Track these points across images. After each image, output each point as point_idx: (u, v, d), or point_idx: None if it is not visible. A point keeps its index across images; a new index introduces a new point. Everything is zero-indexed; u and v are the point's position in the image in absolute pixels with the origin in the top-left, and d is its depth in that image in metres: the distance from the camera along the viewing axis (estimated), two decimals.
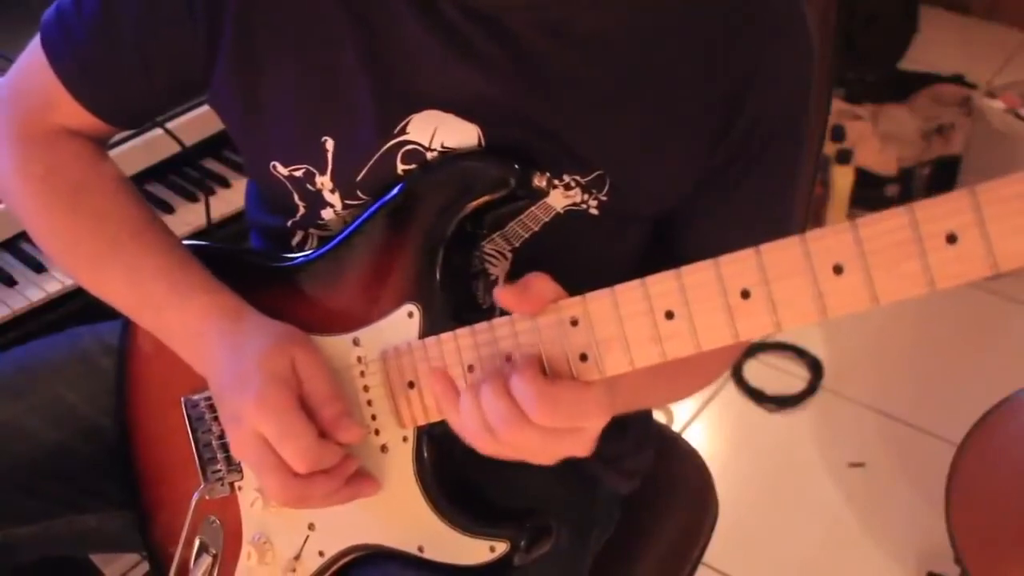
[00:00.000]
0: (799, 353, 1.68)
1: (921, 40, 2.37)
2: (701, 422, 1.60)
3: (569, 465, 0.74)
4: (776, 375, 1.66)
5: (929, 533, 1.36)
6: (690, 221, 0.65)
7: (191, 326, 0.63)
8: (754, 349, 1.68)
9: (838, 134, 1.90)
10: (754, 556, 1.38)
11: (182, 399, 0.69)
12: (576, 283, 0.52)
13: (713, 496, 0.89)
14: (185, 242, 0.70)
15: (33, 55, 0.68)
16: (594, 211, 0.63)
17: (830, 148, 1.82)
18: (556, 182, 0.61)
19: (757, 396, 1.62)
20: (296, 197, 0.67)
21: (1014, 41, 2.44)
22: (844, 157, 1.84)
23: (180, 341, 0.65)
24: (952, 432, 1.35)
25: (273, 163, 0.65)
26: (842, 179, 1.84)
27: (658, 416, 1.22)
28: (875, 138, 2.00)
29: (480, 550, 0.58)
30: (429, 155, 0.62)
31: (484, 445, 0.53)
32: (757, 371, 1.66)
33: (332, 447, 0.57)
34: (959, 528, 1.18)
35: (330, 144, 0.63)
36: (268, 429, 0.56)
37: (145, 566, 0.77)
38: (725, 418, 1.61)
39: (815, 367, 1.66)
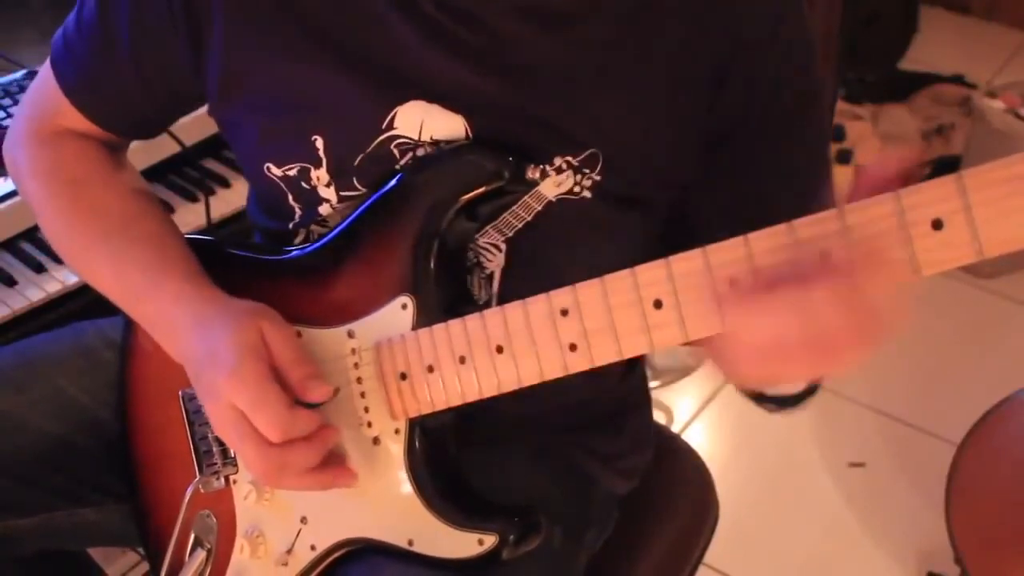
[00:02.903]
0: None
1: (921, 40, 2.37)
2: (701, 422, 1.60)
3: (565, 464, 0.74)
4: None
5: (929, 533, 1.36)
6: (716, 188, 0.63)
7: (165, 313, 0.64)
8: None
9: (838, 134, 1.90)
10: (754, 556, 1.38)
11: (179, 392, 0.70)
12: (572, 274, 0.52)
13: (713, 496, 0.89)
14: (186, 235, 0.71)
15: (47, 64, 0.72)
16: (587, 194, 0.62)
17: (830, 148, 1.83)
18: (548, 168, 0.62)
19: (757, 396, 1.62)
20: (291, 198, 0.67)
21: (1014, 41, 2.44)
22: (844, 157, 1.84)
23: (159, 330, 0.66)
24: (952, 432, 1.35)
25: (267, 165, 0.67)
26: (842, 179, 1.83)
27: (658, 416, 1.23)
28: (875, 138, 2.00)
29: (469, 543, 0.58)
30: (419, 149, 0.62)
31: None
32: None
33: (305, 413, 0.57)
34: (959, 528, 1.18)
35: (320, 143, 0.64)
36: (242, 400, 0.57)
37: (146, 566, 0.77)
38: (725, 418, 1.60)
39: None
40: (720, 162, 0.63)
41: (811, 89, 0.64)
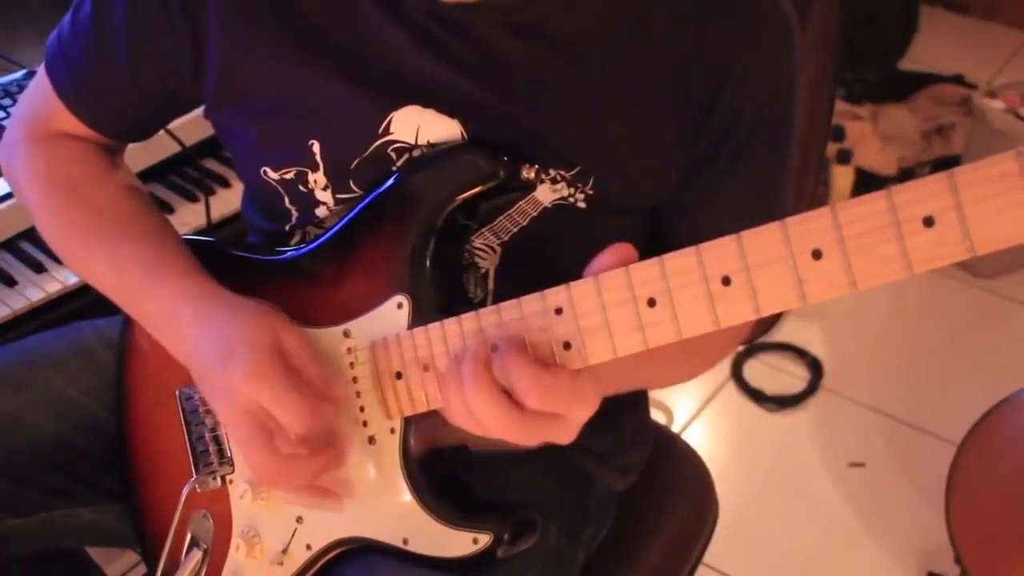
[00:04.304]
0: (799, 353, 1.68)
1: (921, 40, 2.37)
2: (701, 422, 1.60)
3: (563, 463, 0.74)
4: (776, 375, 1.66)
5: (929, 533, 1.36)
6: (682, 214, 0.66)
7: (168, 310, 0.64)
8: (754, 349, 1.68)
9: (838, 134, 1.90)
10: (754, 556, 1.38)
11: (176, 392, 0.70)
12: (565, 277, 0.52)
13: (713, 496, 0.89)
14: (182, 235, 0.71)
15: (43, 66, 0.72)
16: (581, 204, 0.63)
17: (830, 148, 1.82)
18: (543, 176, 0.62)
19: (757, 396, 1.62)
20: (287, 201, 0.68)
21: (1014, 41, 2.44)
22: (844, 157, 1.84)
23: (160, 328, 0.66)
24: (952, 432, 1.35)
25: (263, 168, 0.67)
26: (842, 179, 1.84)
27: (658, 416, 1.23)
28: (875, 138, 2.00)
29: (463, 542, 0.58)
30: (416, 152, 0.63)
31: (473, 429, 0.53)
32: (757, 371, 1.66)
33: (327, 406, 0.58)
34: (959, 528, 1.18)
35: (317, 147, 0.64)
36: (264, 395, 0.57)
37: (145, 567, 0.77)
38: (725, 418, 1.60)
39: (815, 367, 1.66)
40: (690, 187, 0.64)
41: (787, 131, 0.65)
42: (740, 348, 1.61)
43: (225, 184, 1.12)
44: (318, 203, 0.67)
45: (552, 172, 0.62)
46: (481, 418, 0.51)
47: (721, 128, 0.62)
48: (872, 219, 0.41)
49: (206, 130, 1.07)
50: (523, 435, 0.52)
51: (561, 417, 0.52)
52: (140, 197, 0.73)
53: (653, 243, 0.67)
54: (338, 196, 0.66)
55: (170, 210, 1.08)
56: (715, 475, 0.90)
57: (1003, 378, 1.31)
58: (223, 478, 0.68)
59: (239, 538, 0.66)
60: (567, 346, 0.51)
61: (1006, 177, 0.39)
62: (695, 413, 1.61)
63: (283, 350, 0.59)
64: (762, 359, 1.68)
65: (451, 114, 0.61)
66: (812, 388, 1.63)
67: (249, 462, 0.59)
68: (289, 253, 0.68)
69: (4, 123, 1.04)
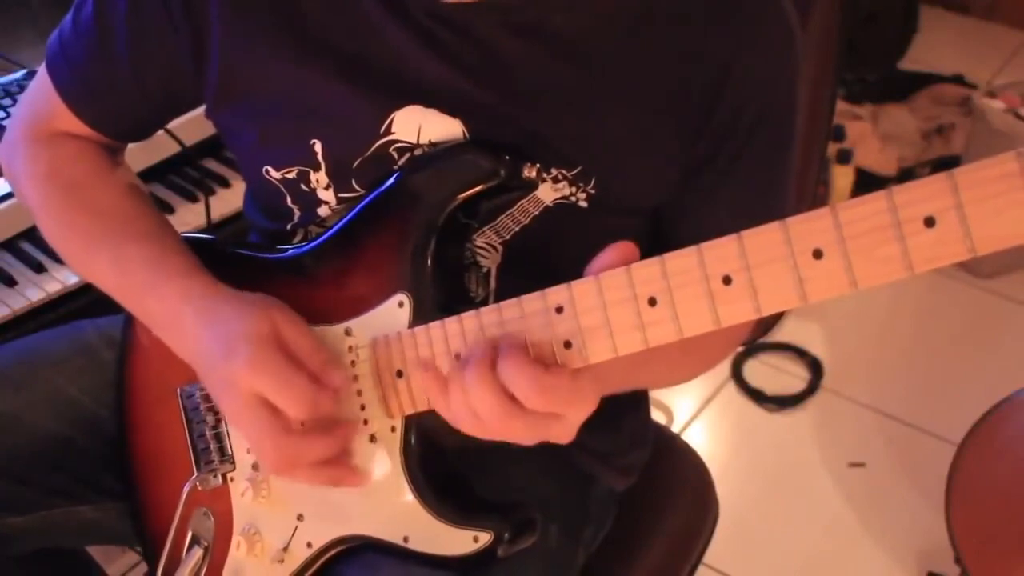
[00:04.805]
0: (799, 353, 1.68)
1: (921, 40, 2.38)
2: (701, 422, 1.60)
3: (563, 463, 0.75)
4: (776, 375, 1.66)
5: (929, 533, 1.36)
6: (683, 214, 0.66)
7: (171, 309, 0.64)
8: (754, 349, 1.68)
9: (838, 134, 1.90)
10: (754, 556, 1.38)
11: (177, 389, 0.70)
12: (567, 276, 0.53)
13: (713, 496, 0.89)
14: (183, 234, 0.71)
15: (44, 66, 0.72)
16: (583, 203, 0.63)
17: (830, 148, 1.83)
18: (545, 175, 0.62)
19: (757, 396, 1.62)
20: (289, 200, 0.68)
21: (1014, 41, 2.45)
22: (844, 157, 1.84)
23: (164, 327, 0.66)
24: (952, 432, 1.35)
25: (266, 168, 0.67)
26: (842, 179, 1.84)
27: (658, 416, 1.23)
28: (875, 138, 2.00)
29: (464, 541, 0.58)
30: (417, 152, 0.63)
31: (472, 431, 0.54)
32: (757, 371, 1.66)
33: (327, 392, 0.58)
34: (959, 528, 1.18)
35: (319, 147, 0.64)
36: (265, 384, 0.57)
37: (146, 566, 0.77)
38: (725, 418, 1.61)
39: (815, 367, 1.66)
40: (691, 187, 0.64)
41: (787, 131, 0.65)
42: (740, 348, 1.61)
43: (225, 184, 1.12)
44: (320, 202, 0.67)
45: (554, 171, 0.62)
46: (483, 416, 0.51)
47: (721, 128, 0.62)
48: (873, 219, 0.42)
49: (206, 130, 1.08)
50: (523, 434, 0.52)
51: (561, 416, 0.52)
52: (141, 196, 0.73)
53: (654, 243, 0.67)
54: (340, 195, 0.66)
55: (170, 210, 1.08)
56: (715, 475, 0.90)
57: (1003, 378, 1.31)
58: (224, 476, 0.68)
59: (240, 536, 0.66)
60: (568, 345, 0.51)
61: (1007, 177, 0.39)
62: (695, 413, 1.61)
63: (282, 340, 0.59)
64: (762, 359, 1.68)
65: (452, 114, 0.61)
66: (812, 388, 1.63)
67: (258, 450, 0.59)
68: (290, 251, 0.68)
69: (4, 123, 1.04)
